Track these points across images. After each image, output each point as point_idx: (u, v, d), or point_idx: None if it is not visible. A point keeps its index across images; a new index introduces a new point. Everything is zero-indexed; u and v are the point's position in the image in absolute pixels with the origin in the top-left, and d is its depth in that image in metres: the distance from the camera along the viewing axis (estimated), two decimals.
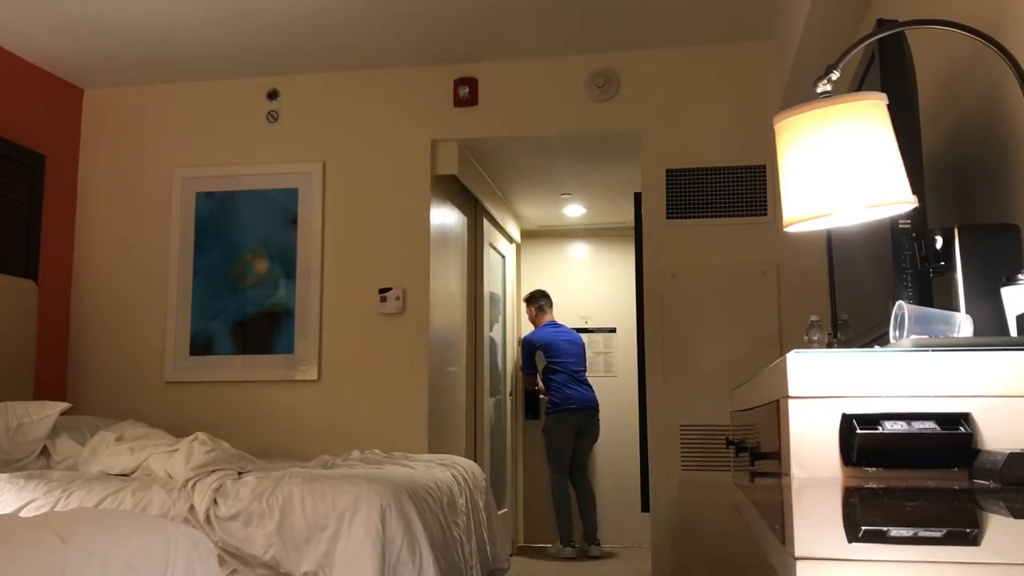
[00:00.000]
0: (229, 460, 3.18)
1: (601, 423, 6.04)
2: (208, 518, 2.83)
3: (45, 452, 3.60)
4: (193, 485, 2.95)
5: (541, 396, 6.29)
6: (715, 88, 4.18)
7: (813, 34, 3.12)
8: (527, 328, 6.39)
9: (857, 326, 1.99)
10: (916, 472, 1.14)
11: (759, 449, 1.66)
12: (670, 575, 3.96)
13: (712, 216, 4.09)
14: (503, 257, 6.08)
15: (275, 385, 4.40)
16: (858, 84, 1.86)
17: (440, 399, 4.45)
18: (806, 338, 2.20)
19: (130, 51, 4.26)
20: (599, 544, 5.84)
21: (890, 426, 1.13)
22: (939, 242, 1.54)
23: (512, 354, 6.34)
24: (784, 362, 1.21)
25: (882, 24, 1.60)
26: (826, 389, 1.17)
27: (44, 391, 4.33)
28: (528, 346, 6.09)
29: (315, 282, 4.40)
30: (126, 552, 1.75)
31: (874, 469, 1.14)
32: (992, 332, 1.44)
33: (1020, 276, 1.42)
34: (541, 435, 6.03)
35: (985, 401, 1.13)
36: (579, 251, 6.76)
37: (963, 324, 1.38)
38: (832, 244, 2.43)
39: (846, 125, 1.39)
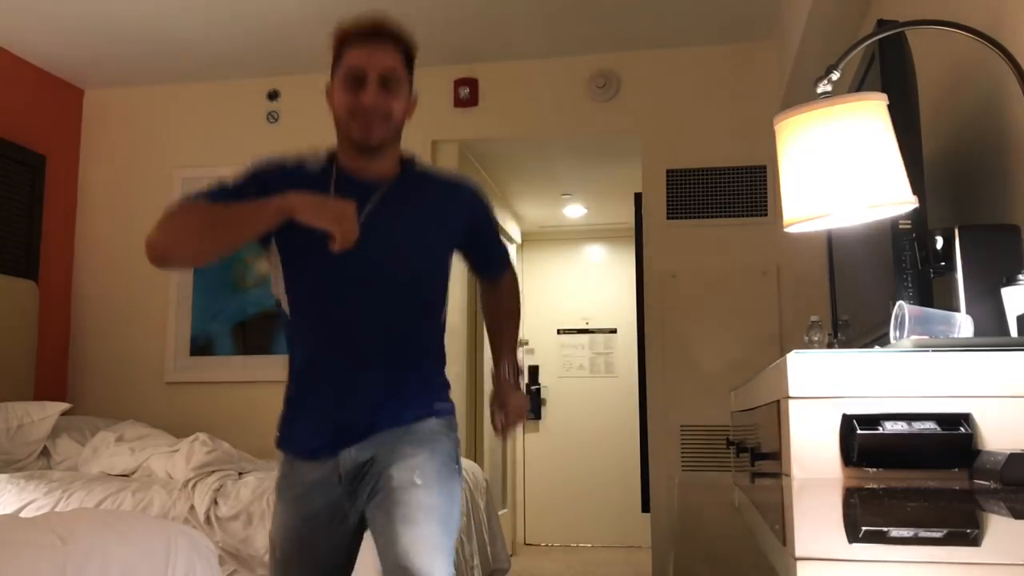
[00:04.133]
0: (229, 460, 3.18)
1: (602, 423, 6.01)
2: (208, 518, 2.83)
3: (45, 452, 3.60)
4: (193, 485, 2.95)
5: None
6: (715, 89, 4.18)
7: (813, 34, 3.12)
8: (528, 329, 6.38)
9: (857, 326, 1.99)
10: (916, 472, 1.14)
11: (759, 449, 1.66)
12: (670, 575, 3.96)
13: (712, 217, 4.08)
14: None
15: (275, 385, 4.33)
16: (858, 84, 1.86)
17: None
18: (806, 338, 2.20)
19: (130, 51, 4.26)
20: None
21: (890, 426, 1.13)
22: (939, 242, 1.54)
23: None
24: (784, 362, 1.21)
25: (882, 24, 1.60)
26: (826, 389, 1.17)
27: (44, 391, 4.32)
28: None
29: None
30: (126, 553, 1.75)
31: (874, 469, 1.14)
32: (992, 332, 1.44)
33: (1020, 276, 1.41)
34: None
35: (985, 401, 1.13)
36: (580, 252, 6.75)
37: (963, 324, 1.38)
38: (832, 245, 2.43)
39: (846, 125, 1.39)
